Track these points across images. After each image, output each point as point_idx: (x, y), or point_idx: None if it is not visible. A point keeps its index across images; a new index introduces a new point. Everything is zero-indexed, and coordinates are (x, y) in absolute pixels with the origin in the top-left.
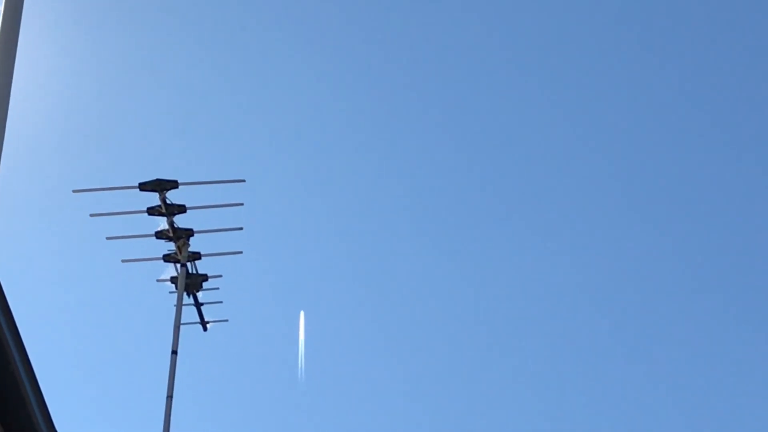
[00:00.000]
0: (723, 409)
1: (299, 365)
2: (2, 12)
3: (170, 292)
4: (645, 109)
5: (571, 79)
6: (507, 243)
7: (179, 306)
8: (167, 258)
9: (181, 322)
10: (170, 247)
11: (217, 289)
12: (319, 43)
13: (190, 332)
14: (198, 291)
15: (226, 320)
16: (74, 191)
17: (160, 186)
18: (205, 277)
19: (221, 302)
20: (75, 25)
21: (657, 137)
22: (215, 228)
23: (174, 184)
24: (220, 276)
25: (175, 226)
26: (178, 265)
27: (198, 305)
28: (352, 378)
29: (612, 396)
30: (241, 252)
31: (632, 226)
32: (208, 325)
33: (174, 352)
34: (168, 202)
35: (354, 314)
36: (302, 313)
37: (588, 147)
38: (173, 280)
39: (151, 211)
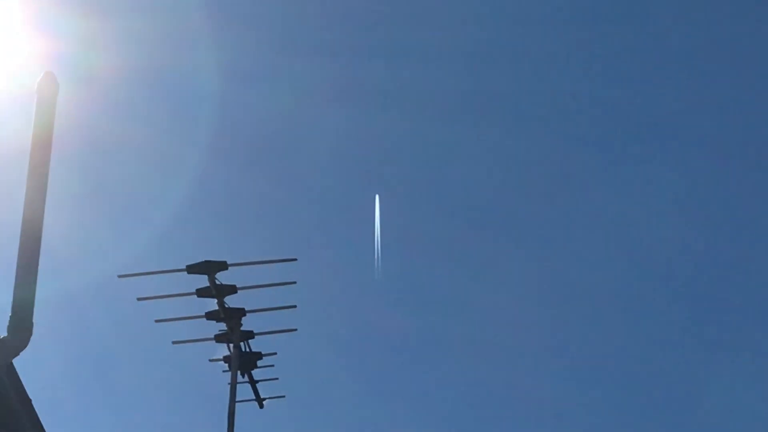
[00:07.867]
0: None
1: None
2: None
3: (224, 371)
4: None
5: None
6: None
7: (233, 386)
8: (219, 338)
9: (237, 400)
10: (222, 326)
11: (272, 366)
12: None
13: (247, 410)
14: (252, 369)
15: (283, 396)
16: (119, 276)
17: (209, 268)
18: (259, 355)
19: (277, 379)
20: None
21: None
22: (268, 306)
23: (223, 266)
24: (275, 354)
25: (226, 306)
26: (231, 345)
27: (253, 383)
28: None
29: None
30: (295, 329)
31: None
32: (264, 403)
33: None
34: (218, 282)
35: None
36: None
37: None
38: (226, 359)
39: (201, 292)
